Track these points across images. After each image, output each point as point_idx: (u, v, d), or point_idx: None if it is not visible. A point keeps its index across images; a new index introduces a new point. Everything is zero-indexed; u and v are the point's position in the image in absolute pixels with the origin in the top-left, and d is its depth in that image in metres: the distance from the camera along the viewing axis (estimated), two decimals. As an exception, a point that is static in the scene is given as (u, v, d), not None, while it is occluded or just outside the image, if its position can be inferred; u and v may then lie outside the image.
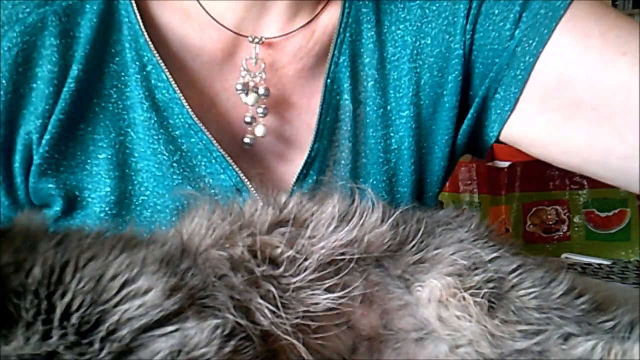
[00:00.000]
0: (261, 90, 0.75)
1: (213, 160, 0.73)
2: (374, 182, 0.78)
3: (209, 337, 0.41)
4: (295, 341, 0.47)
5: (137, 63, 0.73)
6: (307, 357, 0.47)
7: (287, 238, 0.50)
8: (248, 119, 0.74)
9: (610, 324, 0.51)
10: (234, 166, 0.73)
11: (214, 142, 0.73)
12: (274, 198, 0.56)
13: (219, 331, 0.42)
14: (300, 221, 0.53)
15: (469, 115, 0.80)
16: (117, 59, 0.74)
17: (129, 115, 0.73)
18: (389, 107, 0.80)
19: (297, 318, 0.47)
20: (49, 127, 0.70)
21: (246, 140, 0.74)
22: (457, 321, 0.49)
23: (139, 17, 0.73)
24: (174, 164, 0.72)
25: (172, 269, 0.45)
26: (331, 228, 0.52)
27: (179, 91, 0.73)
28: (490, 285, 0.50)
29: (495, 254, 0.52)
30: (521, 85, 0.76)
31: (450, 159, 0.83)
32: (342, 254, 0.51)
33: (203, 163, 0.74)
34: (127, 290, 0.42)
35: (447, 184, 2.03)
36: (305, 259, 0.50)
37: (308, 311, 0.48)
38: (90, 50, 0.71)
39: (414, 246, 0.54)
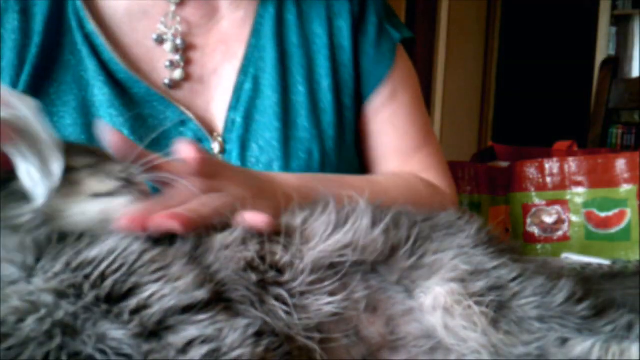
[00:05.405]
0: (178, 41, 0.92)
1: (155, 103, 0.88)
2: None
3: (242, 336, 0.43)
4: (310, 343, 0.47)
5: (81, 31, 0.88)
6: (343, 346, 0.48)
7: (282, 244, 0.52)
8: (167, 64, 0.91)
9: (610, 327, 0.51)
10: (175, 103, 0.88)
11: (152, 87, 0.89)
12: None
13: (250, 330, 0.43)
14: (294, 230, 0.54)
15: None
16: (70, 29, 0.89)
17: (87, 74, 0.88)
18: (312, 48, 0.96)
19: (304, 326, 0.48)
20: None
21: (165, 81, 0.88)
22: (463, 331, 0.50)
23: None
24: (124, 106, 0.86)
25: (199, 262, 0.47)
26: (326, 235, 0.53)
27: (113, 52, 0.88)
28: (494, 293, 0.50)
29: (496, 262, 0.52)
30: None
31: None
32: (340, 256, 0.52)
33: (147, 106, 0.88)
34: (161, 273, 0.44)
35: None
36: (301, 262, 0.51)
37: (313, 318, 0.49)
38: (47, 23, 0.86)
39: (407, 251, 0.54)
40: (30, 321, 0.40)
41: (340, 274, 0.51)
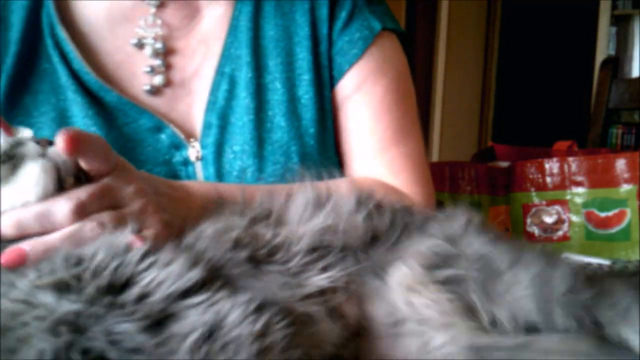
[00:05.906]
0: (158, 45, 0.88)
1: (128, 111, 0.85)
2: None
3: (243, 313, 0.43)
4: (312, 307, 0.48)
5: (52, 39, 0.85)
6: (327, 322, 0.49)
7: (264, 227, 0.53)
8: (148, 69, 0.87)
9: (610, 314, 0.51)
10: (149, 110, 0.86)
11: (123, 95, 0.85)
12: (256, 204, 0.59)
13: (252, 306, 0.44)
14: (277, 214, 0.55)
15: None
16: (44, 37, 0.84)
17: (60, 82, 0.84)
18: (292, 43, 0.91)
19: (302, 294, 0.49)
20: None
21: (146, 88, 0.87)
22: (426, 310, 0.50)
23: None
24: (97, 114, 0.83)
25: (184, 245, 0.48)
26: (308, 212, 0.54)
27: (83, 61, 0.85)
28: (474, 279, 0.50)
29: (485, 250, 0.52)
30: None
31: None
32: (323, 241, 0.53)
33: (120, 114, 0.85)
34: (150, 260, 0.44)
35: (447, 183, 2.04)
36: (293, 244, 0.52)
37: (305, 295, 0.50)
38: (24, 32, 0.84)
39: (387, 240, 0.55)
40: (29, 319, 0.39)
41: (327, 256, 0.52)
